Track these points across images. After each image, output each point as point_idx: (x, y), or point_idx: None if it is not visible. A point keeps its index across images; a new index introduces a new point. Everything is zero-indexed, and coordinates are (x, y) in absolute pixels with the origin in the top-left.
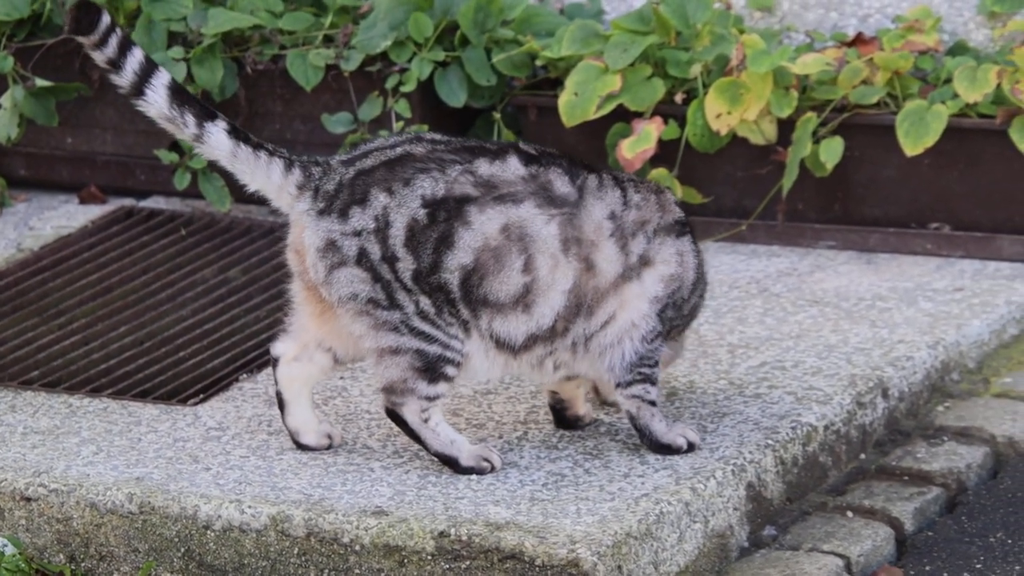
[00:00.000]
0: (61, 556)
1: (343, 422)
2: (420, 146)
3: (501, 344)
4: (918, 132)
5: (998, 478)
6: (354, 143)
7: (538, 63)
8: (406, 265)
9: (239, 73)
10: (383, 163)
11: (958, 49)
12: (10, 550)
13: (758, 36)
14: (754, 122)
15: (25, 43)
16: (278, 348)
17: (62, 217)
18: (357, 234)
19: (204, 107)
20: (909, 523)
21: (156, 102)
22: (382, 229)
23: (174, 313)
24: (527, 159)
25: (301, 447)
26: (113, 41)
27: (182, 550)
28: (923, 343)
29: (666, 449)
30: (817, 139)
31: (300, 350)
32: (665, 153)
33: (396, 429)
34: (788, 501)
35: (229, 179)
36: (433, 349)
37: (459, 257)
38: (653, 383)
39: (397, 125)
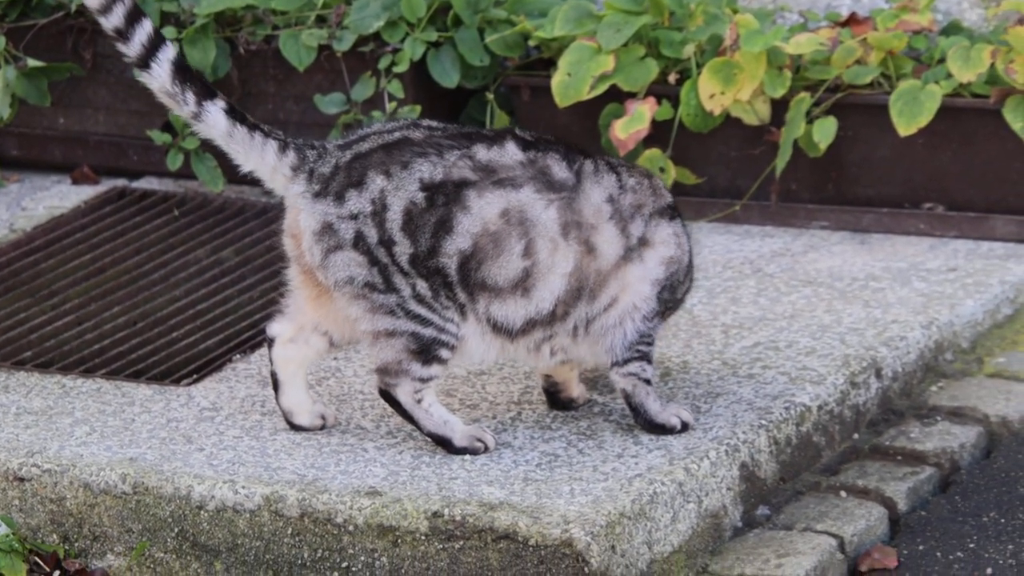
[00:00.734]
0: (54, 536)
1: (337, 403)
2: (418, 131)
3: (498, 328)
4: (912, 112)
5: (991, 457)
6: (348, 124)
7: (531, 43)
8: (403, 249)
9: (232, 53)
10: (380, 147)
11: (952, 29)
12: (3, 530)
13: (752, 16)
14: (748, 102)
15: (17, 23)
16: (274, 328)
17: (55, 197)
18: (354, 217)
19: (205, 85)
20: (902, 503)
21: (160, 76)
22: (379, 212)
23: (167, 294)
24: (524, 144)
25: (295, 428)
26: (119, 10)
27: (176, 530)
28: (917, 323)
29: (660, 429)
30: (811, 119)
31: (296, 332)
32: (658, 133)
33: (390, 410)
34: (782, 481)
35: (222, 160)
36: (428, 332)
37: (457, 242)
38: (649, 361)
39: (390, 106)
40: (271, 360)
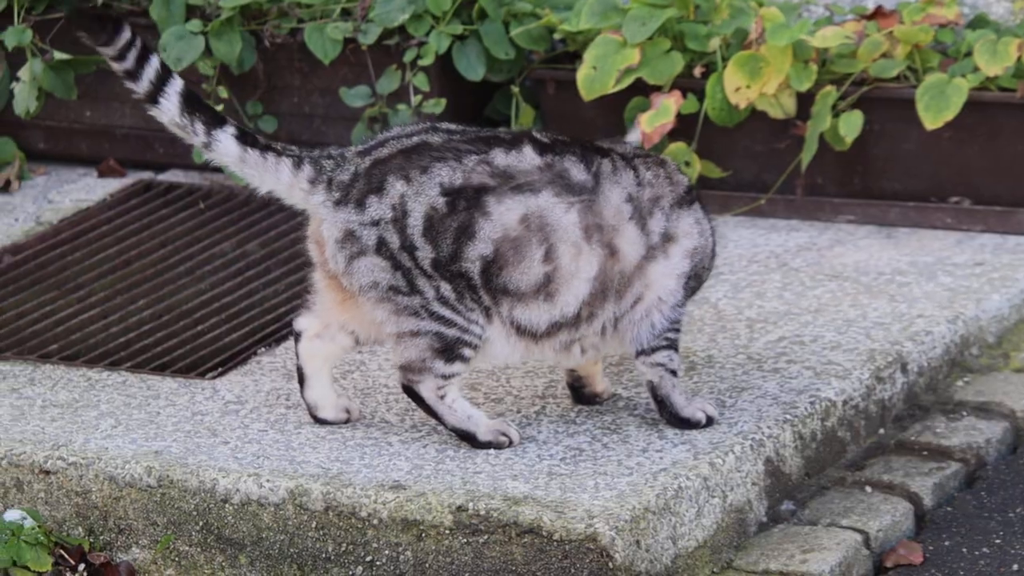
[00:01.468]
0: (80, 529)
1: (361, 396)
2: (436, 135)
3: (522, 331)
4: (938, 106)
5: (1017, 453)
6: (373, 117)
7: (556, 37)
8: (425, 254)
9: (257, 47)
10: (399, 151)
11: (978, 22)
12: (29, 523)
13: (777, 9)
14: (773, 96)
15: (44, 16)
16: (301, 323)
17: (81, 191)
18: (375, 223)
19: (214, 113)
20: (928, 498)
21: (169, 110)
22: (400, 219)
23: (192, 287)
24: (541, 148)
25: (319, 421)
26: (132, 55)
27: (200, 524)
28: (942, 318)
29: (685, 423)
30: (837, 113)
31: (323, 328)
32: (684, 127)
33: (414, 404)
34: (807, 476)
35: None
36: (452, 332)
37: (479, 248)
38: (676, 349)
39: (415, 99)
40: (297, 354)
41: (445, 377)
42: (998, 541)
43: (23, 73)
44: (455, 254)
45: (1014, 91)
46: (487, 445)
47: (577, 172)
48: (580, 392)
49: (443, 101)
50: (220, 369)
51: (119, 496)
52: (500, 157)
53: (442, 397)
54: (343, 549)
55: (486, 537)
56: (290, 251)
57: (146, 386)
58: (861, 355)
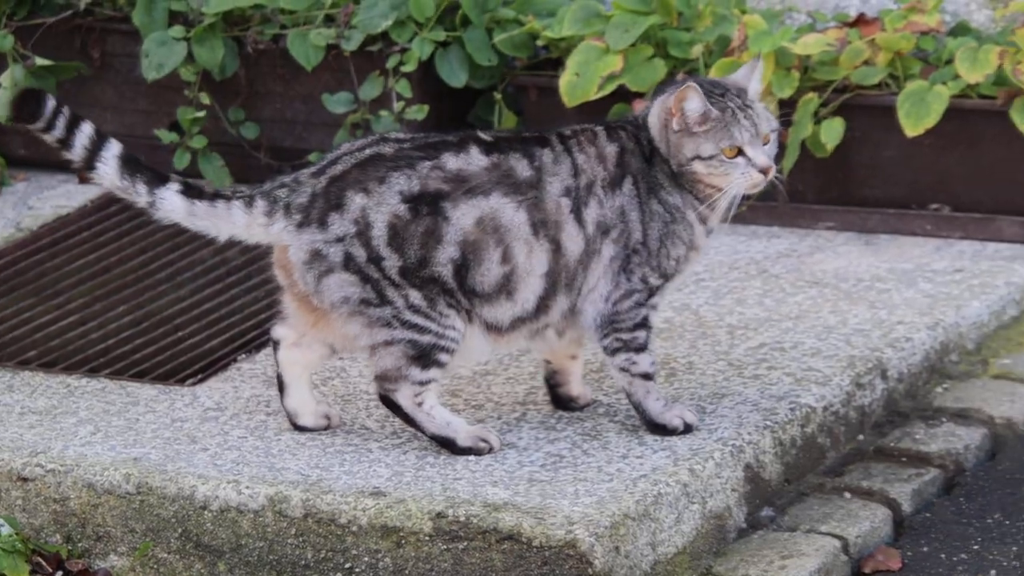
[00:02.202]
0: (58, 536)
1: (341, 403)
2: (387, 146)
3: (490, 327)
4: (919, 113)
5: (996, 459)
6: (355, 123)
7: (539, 43)
8: (392, 263)
9: (240, 52)
10: (354, 166)
11: (960, 30)
12: (7, 530)
13: (760, 16)
14: None
15: (25, 22)
16: (279, 331)
17: (61, 197)
18: (340, 240)
19: (155, 172)
20: (907, 504)
21: (107, 174)
22: (363, 232)
23: (172, 293)
24: (486, 147)
25: (299, 428)
26: (61, 122)
27: (179, 530)
28: (922, 324)
29: (661, 429)
30: (818, 120)
31: (300, 337)
32: None
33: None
34: (786, 482)
35: (229, 159)
36: (426, 339)
37: (448, 251)
38: (637, 351)
39: (398, 105)
40: (277, 362)
41: (422, 384)
42: (976, 547)
43: (4, 79)
44: (423, 259)
45: (994, 99)
46: (467, 451)
47: (522, 168)
48: (557, 393)
49: (425, 107)
50: (200, 376)
51: (97, 503)
52: (451, 161)
53: (420, 404)
54: (322, 556)
55: (466, 544)
56: (269, 257)
57: (125, 393)
58: (841, 361)
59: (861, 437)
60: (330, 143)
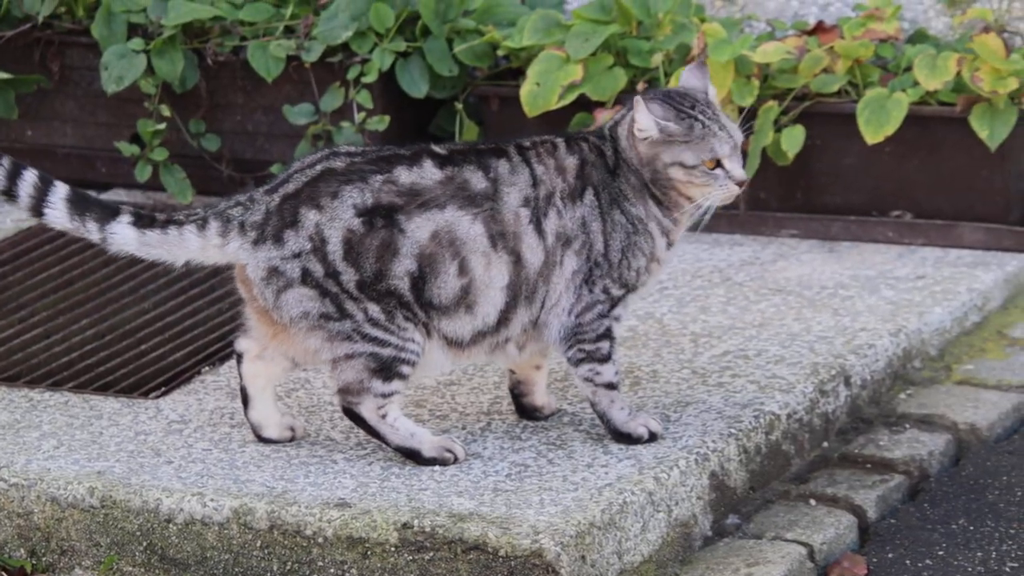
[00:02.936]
0: (22, 551)
1: (306, 414)
2: (338, 160)
3: (451, 342)
4: (879, 120)
5: (960, 465)
6: (316, 134)
7: (500, 53)
8: (349, 277)
9: (200, 65)
10: (306, 183)
11: (918, 37)
12: None
13: (719, 25)
14: None
15: None
16: (242, 344)
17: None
18: (296, 256)
19: (104, 207)
20: (872, 511)
21: (57, 218)
22: (319, 247)
23: (136, 306)
24: (440, 161)
25: (263, 440)
26: (1, 173)
27: (144, 544)
28: (885, 331)
29: (626, 438)
30: (779, 128)
31: (262, 349)
32: None
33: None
34: (751, 490)
35: (191, 171)
36: (387, 352)
37: (405, 264)
38: (601, 361)
39: (359, 116)
40: (240, 375)
41: (384, 396)
42: (941, 553)
43: None
44: (380, 273)
45: (953, 105)
46: (432, 462)
47: (477, 181)
48: (521, 403)
49: (386, 118)
50: (164, 388)
51: (61, 517)
52: (404, 175)
53: (383, 416)
54: (288, 568)
55: (432, 554)
56: (232, 270)
57: (89, 406)
58: (805, 369)
59: (826, 444)
60: (292, 155)
